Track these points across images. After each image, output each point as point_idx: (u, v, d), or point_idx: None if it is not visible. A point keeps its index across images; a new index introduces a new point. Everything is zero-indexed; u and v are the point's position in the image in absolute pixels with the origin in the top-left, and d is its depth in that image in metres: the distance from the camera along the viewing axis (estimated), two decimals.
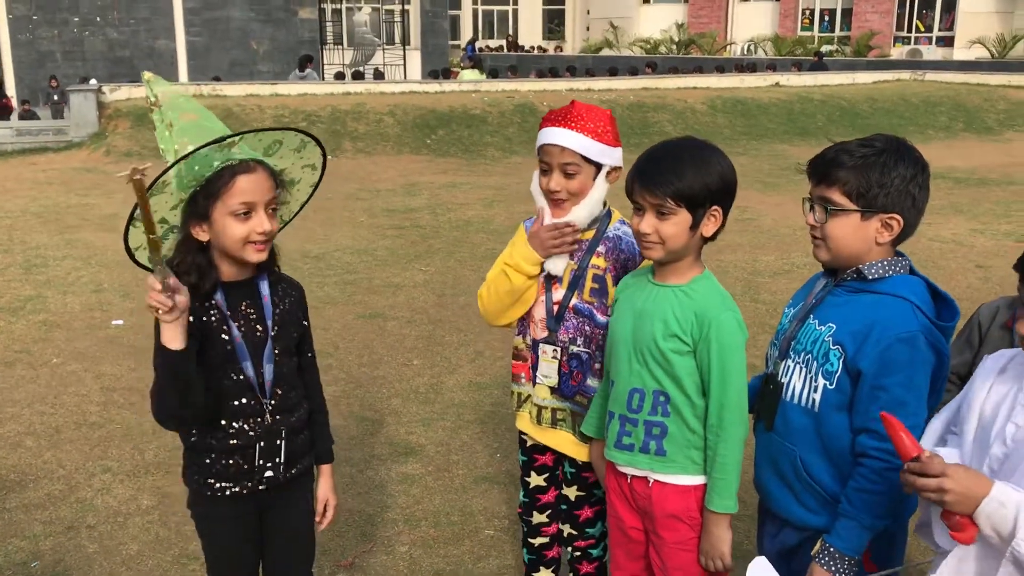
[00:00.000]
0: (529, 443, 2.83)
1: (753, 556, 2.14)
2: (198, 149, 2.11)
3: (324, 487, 2.54)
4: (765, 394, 2.27)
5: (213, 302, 2.22)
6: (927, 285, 2.15)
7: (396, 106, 15.25)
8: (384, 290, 7.21)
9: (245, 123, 14.08)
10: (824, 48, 29.27)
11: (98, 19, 23.61)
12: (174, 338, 2.01)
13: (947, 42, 31.28)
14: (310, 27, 25.58)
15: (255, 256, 2.19)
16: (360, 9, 26.85)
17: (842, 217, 2.09)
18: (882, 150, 2.08)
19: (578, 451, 2.69)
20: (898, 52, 30.86)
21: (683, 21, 34.78)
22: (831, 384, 2.11)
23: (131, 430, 4.65)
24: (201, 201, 2.13)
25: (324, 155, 2.36)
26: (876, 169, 2.06)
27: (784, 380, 2.22)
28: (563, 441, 2.71)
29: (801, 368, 2.18)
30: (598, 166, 2.54)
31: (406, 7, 27.52)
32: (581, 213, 2.55)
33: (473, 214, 10.08)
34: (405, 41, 27.33)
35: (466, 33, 38.14)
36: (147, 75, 2.23)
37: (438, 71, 21.31)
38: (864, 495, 2.03)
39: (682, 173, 2.17)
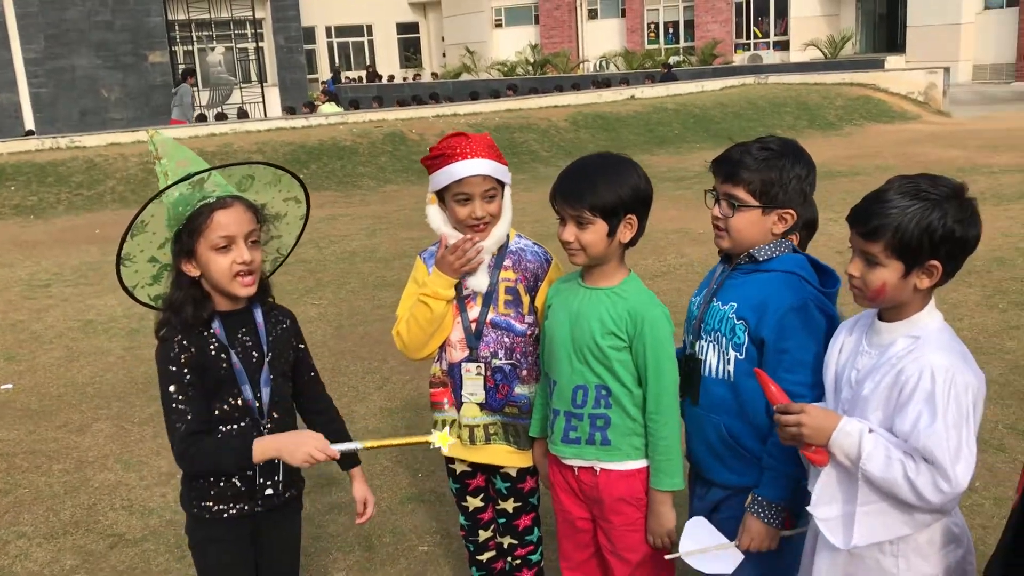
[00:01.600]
0: (459, 470, 2.95)
1: None
2: (165, 189, 2.28)
3: (361, 487, 2.69)
4: (686, 373, 2.51)
5: (212, 331, 2.34)
6: (808, 259, 2.45)
7: (264, 143, 15.12)
8: None
9: (109, 174, 13.72)
10: (672, 59, 30.55)
11: None
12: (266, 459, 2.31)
13: (783, 46, 33.16)
14: (162, 71, 25.03)
15: (243, 291, 2.33)
16: (213, 49, 26.42)
17: (746, 212, 2.36)
18: (780, 153, 2.35)
19: (515, 459, 2.84)
20: (740, 58, 32.50)
21: (536, 42, 35.64)
22: (741, 355, 2.38)
23: (41, 493, 4.53)
24: (185, 239, 2.29)
25: (304, 187, 2.51)
26: (776, 170, 2.33)
27: (701, 358, 2.47)
28: (499, 453, 2.83)
29: (714, 345, 2.44)
30: (503, 185, 2.74)
31: (260, 44, 27.27)
32: (501, 231, 2.73)
33: (357, 245, 10.14)
34: (262, 78, 27.05)
35: (323, 66, 37.96)
36: (150, 131, 2.44)
37: (294, 107, 21.20)
38: (781, 448, 2.28)
39: (596, 186, 2.39)
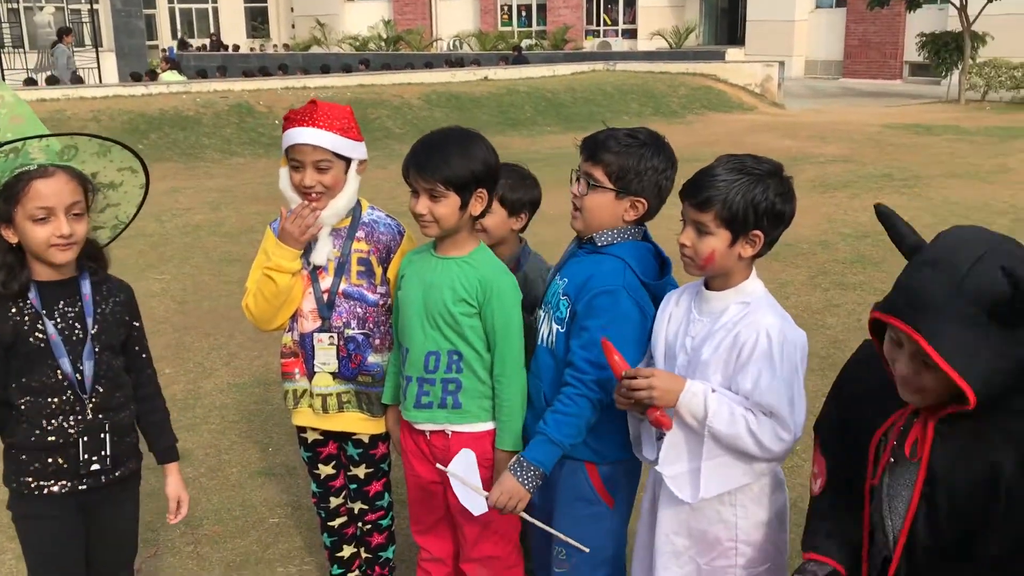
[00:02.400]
0: (311, 439, 2.97)
1: None
2: None
3: (174, 485, 2.62)
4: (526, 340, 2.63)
5: (28, 301, 2.25)
6: (652, 250, 2.55)
7: (100, 111, 14.33)
8: None
9: None
10: (524, 43, 30.86)
11: None
12: None
13: (632, 34, 34.12)
14: None
15: (59, 257, 2.24)
16: (41, 9, 24.73)
17: (600, 193, 2.45)
18: (644, 143, 2.45)
19: (367, 426, 2.89)
20: (590, 45, 33.22)
21: (389, 18, 35.23)
22: (562, 328, 2.51)
23: None
24: (2, 205, 2.18)
25: (138, 157, 2.42)
26: (635, 158, 2.42)
27: (537, 328, 2.61)
28: (352, 421, 2.87)
29: (546, 317, 2.58)
30: (348, 160, 2.74)
31: (95, 6, 25.71)
32: (339, 204, 2.74)
33: (202, 218, 9.82)
34: (97, 43, 25.54)
35: (163, 32, 36.26)
36: None
37: (140, 73, 20.19)
38: (557, 415, 2.43)
39: (450, 160, 2.45)
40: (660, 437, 2.32)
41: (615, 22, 34.81)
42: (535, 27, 35.34)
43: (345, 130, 2.71)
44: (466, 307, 2.54)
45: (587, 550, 2.47)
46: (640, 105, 19.67)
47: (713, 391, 2.19)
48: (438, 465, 2.52)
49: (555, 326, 2.52)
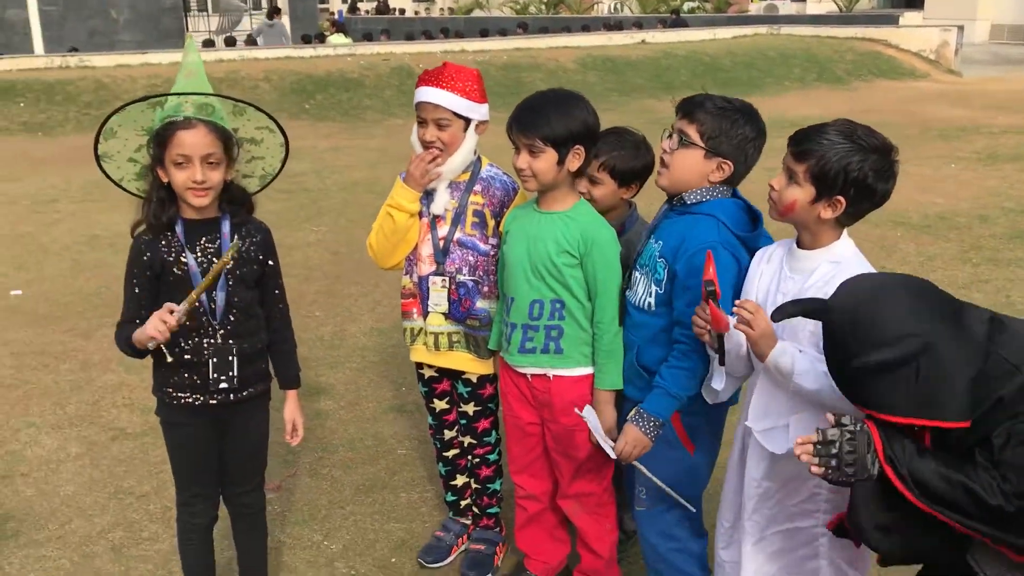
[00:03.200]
0: (427, 375, 3.24)
1: None
2: (124, 107, 2.53)
3: (290, 409, 2.89)
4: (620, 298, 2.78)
5: (175, 235, 2.58)
6: (742, 205, 2.64)
7: (271, 72, 15.21)
8: (277, 251, 7.43)
9: (117, 95, 13.84)
10: (687, 5, 30.29)
11: None
12: (144, 344, 2.48)
13: None
14: None
15: (196, 200, 2.54)
16: None
17: (690, 150, 2.56)
18: (738, 109, 2.55)
19: (475, 366, 3.12)
20: (756, 8, 32.21)
21: None
22: (660, 289, 2.62)
23: (48, 389, 4.85)
24: (155, 149, 2.51)
25: (273, 119, 2.66)
26: (728, 121, 2.52)
27: (634, 288, 2.73)
28: (460, 360, 3.12)
29: (642, 278, 2.70)
30: (467, 120, 2.95)
31: None
32: (456, 161, 2.96)
33: (359, 176, 10.34)
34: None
35: None
36: (188, 35, 2.62)
37: (311, 36, 21.17)
38: (673, 371, 2.56)
39: (549, 119, 2.62)
40: (722, 361, 2.40)
41: None
42: None
43: (467, 92, 2.91)
44: (569, 258, 2.71)
45: (680, 499, 2.64)
46: (803, 71, 19.06)
47: (800, 351, 2.28)
48: (576, 410, 2.69)
49: (653, 288, 2.63)
